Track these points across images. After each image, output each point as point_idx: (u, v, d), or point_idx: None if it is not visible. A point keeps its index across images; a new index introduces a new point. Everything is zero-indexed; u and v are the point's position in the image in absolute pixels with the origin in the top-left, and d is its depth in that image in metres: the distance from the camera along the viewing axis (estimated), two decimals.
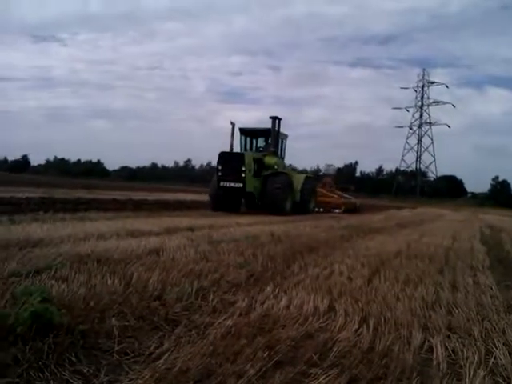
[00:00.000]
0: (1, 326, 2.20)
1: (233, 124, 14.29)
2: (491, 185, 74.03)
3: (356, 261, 5.17)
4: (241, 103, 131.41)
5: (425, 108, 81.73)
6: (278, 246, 5.80)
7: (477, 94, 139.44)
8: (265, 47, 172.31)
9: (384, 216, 16.96)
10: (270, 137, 15.11)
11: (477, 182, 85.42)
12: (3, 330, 2.19)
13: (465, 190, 79.29)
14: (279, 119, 15.13)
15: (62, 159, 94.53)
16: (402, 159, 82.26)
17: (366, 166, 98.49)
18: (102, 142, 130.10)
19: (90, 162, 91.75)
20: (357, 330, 2.76)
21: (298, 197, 14.98)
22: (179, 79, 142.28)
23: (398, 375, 2.19)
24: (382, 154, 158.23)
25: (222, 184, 13.56)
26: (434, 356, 2.46)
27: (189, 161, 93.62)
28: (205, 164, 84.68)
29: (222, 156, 13.68)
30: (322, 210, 18.46)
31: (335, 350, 2.42)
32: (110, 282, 3.26)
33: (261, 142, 16.11)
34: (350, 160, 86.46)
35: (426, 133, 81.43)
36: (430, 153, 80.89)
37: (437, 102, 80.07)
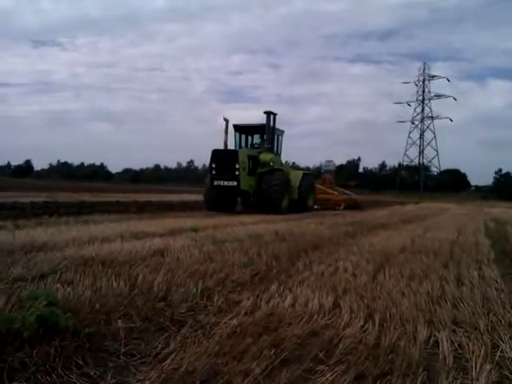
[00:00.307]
0: (7, 330, 2.21)
1: (226, 120, 13.88)
2: (494, 178, 73.82)
3: (360, 257, 5.17)
4: (242, 102, 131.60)
5: (426, 102, 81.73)
6: (283, 245, 5.80)
7: (478, 86, 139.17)
8: (264, 45, 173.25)
9: (388, 212, 16.91)
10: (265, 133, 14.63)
11: (480, 175, 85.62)
12: (10, 334, 2.20)
13: (468, 183, 79.11)
14: (274, 114, 14.66)
15: (65, 163, 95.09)
16: (405, 154, 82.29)
17: (369, 162, 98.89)
18: (104, 144, 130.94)
19: (93, 165, 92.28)
20: (362, 327, 2.76)
21: (296, 194, 14.53)
22: (179, 80, 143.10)
23: (404, 370, 2.19)
24: (385, 150, 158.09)
25: (215, 183, 13.15)
26: (440, 351, 2.45)
27: (191, 161, 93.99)
28: (207, 164, 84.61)
29: (215, 154, 13.23)
30: (322, 207, 18.34)
31: (341, 346, 2.42)
32: (115, 284, 3.27)
33: (256, 139, 15.61)
34: (353, 156, 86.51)
35: (428, 127, 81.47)
36: (432, 147, 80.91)
37: (438, 96, 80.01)
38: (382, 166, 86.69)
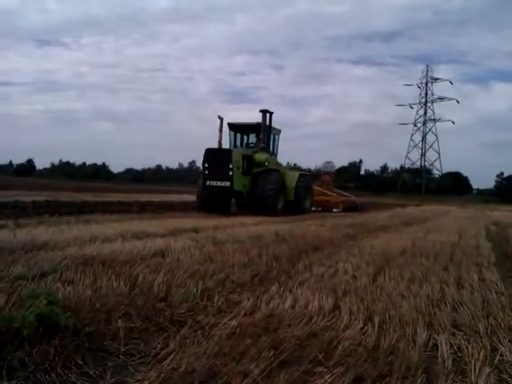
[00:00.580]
0: (7, 328, 2.22)
1: (221, 118, 13.49)
2: (496, 181, 73.70)
3: (361, 259, 5.16)
4: (245, 103, 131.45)
5: (429, 105, 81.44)
6: (283, 246, 5.81)
7: (481, 89, 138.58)
8: (268, 46, 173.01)
9: (389, 214, 16.89)
10: (261, 132, 14.12)
11: (482, 179, 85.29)
12: (10, 332, 2.20)
13: (470, 186, 78.94)
14: (270, 113, 14.19)
15: (67, 162, 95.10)
16: (407, 156, 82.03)
17: (371, 165, 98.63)
18: (106, 144, 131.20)
19: (95, 164, 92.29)
20: (362, 329, 2.76)
21: (292, 195, 14.07)
22: (183, 80, 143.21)
23: (404, 373, 2.19)
24: (387, 152, 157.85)
25: (208, 183, 12.71)
26: (440, 353, 2.45)
27: (193, 162, 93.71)
28: None
29: (209, 153, 12.81)
30: (319, 209, 18.14)
31: (340, 348, 2.43)
32: (115, 283, 3.27)
33: (252, 138, 15.14)
34: (355, 158, 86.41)
35: (430, 129, 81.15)
36: (434, 149, 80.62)
37: (441, 99, 79.70)
38: (384, 168, 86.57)
